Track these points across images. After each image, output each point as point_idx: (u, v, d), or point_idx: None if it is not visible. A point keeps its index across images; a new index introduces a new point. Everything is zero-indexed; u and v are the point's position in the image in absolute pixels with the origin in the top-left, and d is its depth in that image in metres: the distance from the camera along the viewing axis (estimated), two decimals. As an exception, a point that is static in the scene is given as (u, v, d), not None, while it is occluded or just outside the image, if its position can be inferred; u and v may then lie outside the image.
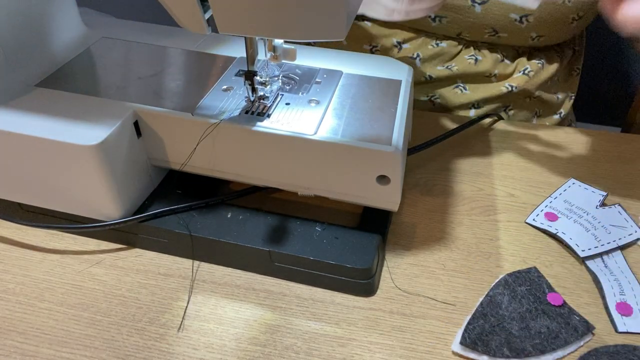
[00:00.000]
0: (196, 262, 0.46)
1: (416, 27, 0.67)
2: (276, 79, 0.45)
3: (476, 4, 0.62)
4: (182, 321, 0.41)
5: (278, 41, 0.39)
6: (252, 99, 0.43)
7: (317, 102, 0.44)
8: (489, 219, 0.51)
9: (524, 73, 0.68)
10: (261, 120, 0.42)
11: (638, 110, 0.78)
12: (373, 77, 0.48)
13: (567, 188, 0.53)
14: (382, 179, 0.41)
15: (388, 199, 0.42)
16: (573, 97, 0.76)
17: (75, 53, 0.50)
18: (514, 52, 0.69)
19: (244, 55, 0.42)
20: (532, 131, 0.62)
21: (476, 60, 0.67)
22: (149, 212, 0.46)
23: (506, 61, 0.68)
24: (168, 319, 0.41)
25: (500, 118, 0.64)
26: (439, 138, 0.57)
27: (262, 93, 0.43)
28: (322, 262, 0.42)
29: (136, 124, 0.44)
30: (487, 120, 0.64)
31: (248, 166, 0.44)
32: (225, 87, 0.46)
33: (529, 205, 0.52)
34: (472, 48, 0.68)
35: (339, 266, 0.42)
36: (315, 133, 0.41)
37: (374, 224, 0.46)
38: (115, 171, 0.42)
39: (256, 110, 0.43)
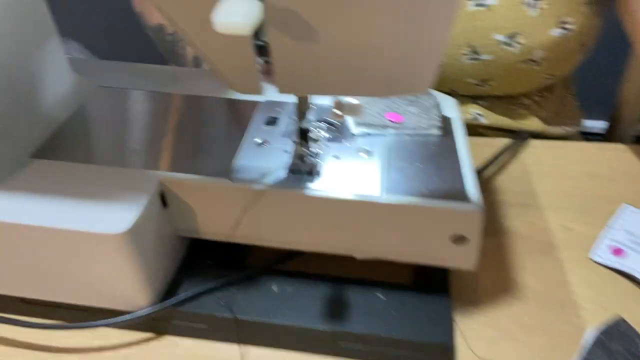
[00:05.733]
0: (243, 346, 0.39)
1: None
2: (321, 128, 0.39)
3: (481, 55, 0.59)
4: None
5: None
6: (307, 161, 0.36)
7: (369, 153, 0.39)
8: (551, 258, 0.47)
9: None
10: (313, 181, 0.36)
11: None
12: (421, 116, 0.43)
13: (623, 216, 0.50)
14: (459, 239, 0.36)
15: (463, 259, 0.37)
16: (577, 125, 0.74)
17: (71, 110, 0.43)
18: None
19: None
20: (568, 150, 0.59)
21: (479, 115, 0.65)
22: (181, 292, 0.39)
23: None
24: None
25: (529, 137, 0.61)
26: (478, 171, 0.53)
27: (313, 150, 0.37)
28: (394, 339, 0.37)
29: (162, 195, 0.37)
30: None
31: (299, 233, 0.38)
32: (258, 140, 0.40)
33: (588, 239, 0.48)
34: (471, 102, 0.66)
35: (414, 342, 0.36)
36: (381, 193, 0.35)
37: (434, 279, 0.41)
38: (143, 255, 0.35)
39: (304, 169, 0.37)
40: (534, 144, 0.60)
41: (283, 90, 0.28)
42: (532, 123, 0.67)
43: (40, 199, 0.35)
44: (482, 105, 0.68)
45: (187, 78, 0.48)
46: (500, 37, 0.58)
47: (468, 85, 0.64)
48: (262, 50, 0.27)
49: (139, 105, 0.44)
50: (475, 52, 0.60)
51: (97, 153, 0.39)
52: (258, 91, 0.29)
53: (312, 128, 0.36)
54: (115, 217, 0.33)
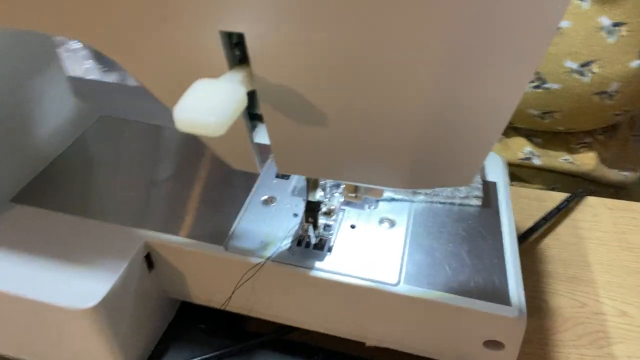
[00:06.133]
0: None
1: None
2: (335, 191, 0.33)
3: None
4: None
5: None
6: (313, 240, 0.31)
7: (392, 223, 0.33)
8: (603, 353, 0.39)
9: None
10: (321, 259, 0.30)
11: None
12: (459, 179, 0.36)
13: (697, 306, 0.42)
14: (493, 344, 0.30)
15: (496, 365, 0.31)
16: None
17: (66, 143, 0.39)
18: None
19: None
20: (632, 213, 0.51)
21: (532, 155, 0.59)
22: (165, 363, 0.34)
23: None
24: None
25: (585, 195, 0.53)
26: (525, 234, 0.46)
27: (325, 221, 0.31)
28: None
29: (148, 256, 0.32)
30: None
31: (301, 312, 0.33)
32: (265, 197, 0.34)
33: (650, 330, 0.41)
34: (524, 138, 0.59)
35: None
36: (399, 282, 0.29)
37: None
38: (117, 327, 0.30)
39: (312, 241, 0.31)
40: (591, 201, 0.52)
41: (283, 170, 0.23)
42: (591, 163, 0.59)
43: (9, 257, 0.30)
44: (537, 144, 0.61)
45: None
46: (571, 65, 0.51)
47: (528, 117, 0.57)
48: (259, 117, 0.21)
49: (142, 142, 0.39)
50: (542, 80, 0.53)
51: (83, 201, 0.34)
52: (255, 169, 0.23)
53: (324, 200, 0.30)
54: (86, 287, 0.29)
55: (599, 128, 0.61)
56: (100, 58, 1.30)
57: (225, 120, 0.15)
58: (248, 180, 0.36)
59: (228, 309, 0.34)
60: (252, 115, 0.22)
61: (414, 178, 0.21)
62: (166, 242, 0.31)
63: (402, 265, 0.30)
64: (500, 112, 0.19)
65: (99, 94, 0.43)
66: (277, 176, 0.36)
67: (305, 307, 0.32)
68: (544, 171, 0.62)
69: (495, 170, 0.37)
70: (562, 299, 0.43)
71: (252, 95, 0.20)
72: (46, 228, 0.32)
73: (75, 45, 1.25)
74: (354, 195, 0.26)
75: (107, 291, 0.28)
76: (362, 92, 0.18)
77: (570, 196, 0.50)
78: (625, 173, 0.64)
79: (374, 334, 0.32)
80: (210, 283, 0.33)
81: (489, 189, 0.35)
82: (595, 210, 0.51)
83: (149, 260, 0.32)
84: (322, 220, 0.31)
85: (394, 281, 0.29)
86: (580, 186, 0.61)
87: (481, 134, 0.20)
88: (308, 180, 0.28)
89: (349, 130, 0.19)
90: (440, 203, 0.34)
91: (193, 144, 0.39)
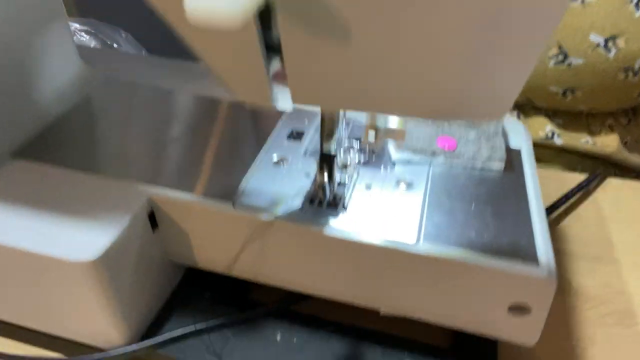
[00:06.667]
0: (233, 406, 0.32)
1: None
2: (351, 149, 0.32)
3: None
4: None
5: (382, 117, 0.25)
6: (328, 195, 0.29)
7: (409, 185, 0.31)
8: (630, 332, 0.37)
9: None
10: (335, 216, 0.29)
11: None
12: (480, 143, 0.34)
13: None
14: (520, 309, 0.28)
15: (522, 333, 0.29)
16: None
17: (70, 103, 0.37)
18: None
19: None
20: (655, 195, 0.49)
21: (553, 134, 0.57)
22: (167, 330, 0.32)
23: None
24: None
25: (607, 176, 0.51)
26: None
27: (339, 175, 0.30)
28: None
29: (151, 214, 0.31)
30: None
31: (311, 276, 0.31)
32: (276, 158, 0.33)
33: (678, 311, 0.38)
34: (546, 118, 0.57)
35: None
36: (418, 241, 0.27)
37: (478, 344, 0.33)
38: (118, 286, 0.29)
39: (325, 200, 0.29)
40: (613, 183, 0.50)
41: (297, 100, 0.21)
42: (612, 146, 0.57)
43: (6, 210, 0.29)
44: (558, 125, 0.59)
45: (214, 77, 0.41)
46: (596, 39, 0.49)
47: (549, 95, 0.55)
48: (274, 49, 0.20)
49: (147, 104, 0.38)
50: (564, 54, 0.51)
51: (86, 157, 0.33)
52: (268, 101, 0.21)
53: (339, 153, 0.28)
54: (86, 240, 0.27)
55: (621, 110, 0.59)
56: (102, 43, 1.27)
57: (241, 9, 0.13)
58: (258, 141, 0.34)
59: (234, 274, 0.32)
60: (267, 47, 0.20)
61: (443, 106, 0.19)
62: (171, 199, 0.30)
63: (421, 225, 0.28)
64: (539, 34, 0.17)
65: (104, 59, 0.42)
66: (289, 137, 0.34)
67: (316, 270, 0.30)
68: (565, 152, 0.60)
69: (519, 138, 0.35)
70: (584, 278, 0.41)
71: (268, 23, 0.19)
72: (47, 183, 0.31)
73: (75, 25, 1.22)
74: (373, 139, 0.24)
75: (108, 245, 0.27)
76: (394, 7, 0.16)
77: (592, 176, 0.48)
78: None
79: (389, 301, 0.30)
80: (217, 244, 0.31)
81: (512, 156, 0.34)
82: (617, 191, 0.49)
83: (153, 220, 0.31)
84: (336, 175, 0.29)
85: (413, 240, 0.27)
86: (601, 169, 0.59)
87: (517, 59, 0.18)
88: (322, 128, 0.26)
89: (375, 50, 0.18)
90: (461, 166, 0.32)
91: (202, 106, 0.37)
